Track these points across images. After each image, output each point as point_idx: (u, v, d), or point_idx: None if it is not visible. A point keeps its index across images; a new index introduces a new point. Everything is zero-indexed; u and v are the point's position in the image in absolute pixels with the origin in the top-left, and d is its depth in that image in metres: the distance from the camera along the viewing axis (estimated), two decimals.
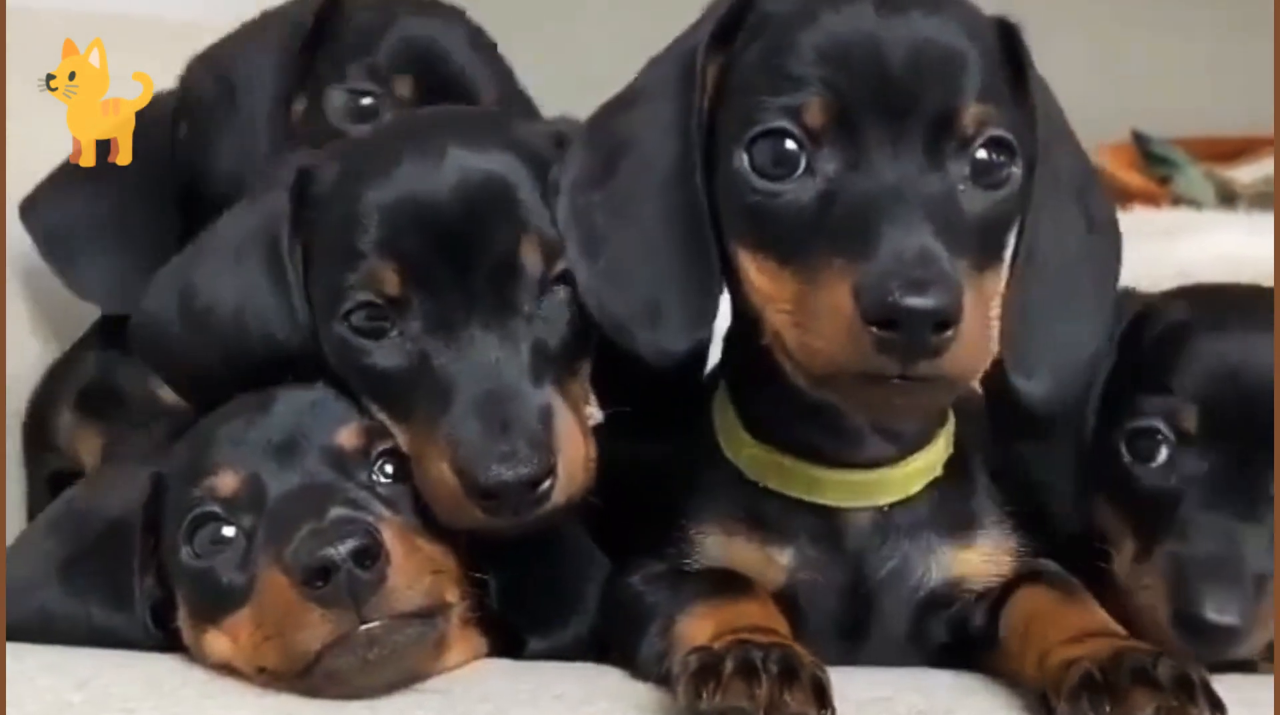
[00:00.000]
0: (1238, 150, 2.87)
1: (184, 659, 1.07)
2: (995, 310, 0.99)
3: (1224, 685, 0.91)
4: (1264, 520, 1.09)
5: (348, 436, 1.09)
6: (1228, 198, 2.66)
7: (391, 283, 1.07)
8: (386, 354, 1.08)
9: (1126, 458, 1.13)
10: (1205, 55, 3.03)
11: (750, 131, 0.98)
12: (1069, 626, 0.99)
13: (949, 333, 0.89)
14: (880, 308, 0.88)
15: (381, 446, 1.09)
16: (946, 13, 1.00)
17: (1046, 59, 1.07)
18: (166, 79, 1.40)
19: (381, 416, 1.10)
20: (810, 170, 0.97)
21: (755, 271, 0.99)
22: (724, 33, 1.04)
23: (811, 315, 0.93)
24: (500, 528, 1.05)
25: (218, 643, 1.04)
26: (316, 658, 0.96)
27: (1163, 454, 1.12)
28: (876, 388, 0.92)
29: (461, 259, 1.07)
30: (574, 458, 1.05)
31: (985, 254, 0.98)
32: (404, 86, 1.38)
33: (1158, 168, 2.83)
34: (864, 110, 0.96)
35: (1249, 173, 2.78)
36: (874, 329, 0.89)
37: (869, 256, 0.90)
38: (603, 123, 1.11)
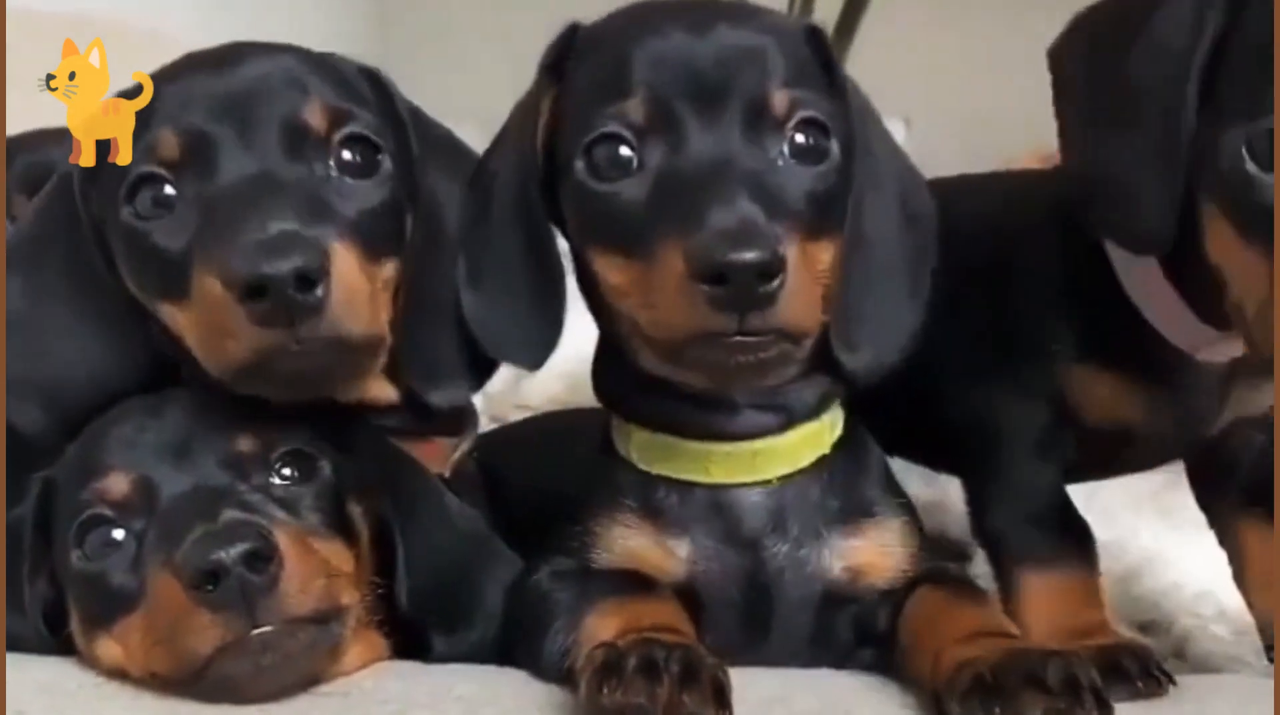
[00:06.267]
0: None
1: (79, 662, 1.05)
2: (824, 278, 1.04)
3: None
4: None
5: (245, 440, 1.07)
6: None
7: (169, 145, 1.08)
8: (169, 231, 1.08)
9: (1250, 165, 0.97)
10: None
11: (584, 140, 1.04)
12: (962, 626, 1.00)
13: (775, 283, 0.96)
14: (707, 265, 0.95)
15: (281, 449, 1.08)
16: (750, 21, 1.08)
17: None
18: None
19: (165, 309, 1.09)
20: (641, 166, 1.03)
21: (607, 269, 1.05)
22: (555, 65, 1.11)
23: (653, 290, 0.99)
24: (280, 360, 1.02)
25: (109, 647, 1.02)
26: (208, 663, 0.95)
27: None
28: (720, 349, 0.98)
29: (241, 122, 1.08)
30: (353, 287, 1.04)
31: (810, 225, 1.03)
32: None
33: None
34: (680, 102, 1.03)
35: None
36: (705, 287, 0.95)
37: (698, 228, 0.96)
38: (481, 163, 1.19)
